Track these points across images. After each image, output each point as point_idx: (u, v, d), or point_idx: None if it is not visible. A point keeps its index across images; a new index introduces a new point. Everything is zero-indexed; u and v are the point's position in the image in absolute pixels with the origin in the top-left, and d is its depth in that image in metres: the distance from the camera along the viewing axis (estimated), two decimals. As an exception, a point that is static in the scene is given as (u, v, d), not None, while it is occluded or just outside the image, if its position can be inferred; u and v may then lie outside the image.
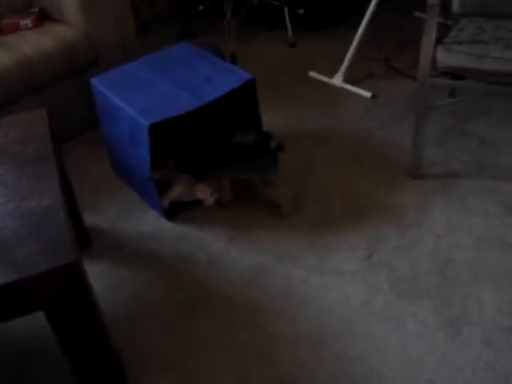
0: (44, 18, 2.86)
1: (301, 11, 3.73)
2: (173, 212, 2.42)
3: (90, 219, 2.40)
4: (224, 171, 2.39)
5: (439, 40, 2.30)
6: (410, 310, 1.99)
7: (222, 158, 2.34)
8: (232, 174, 2.41)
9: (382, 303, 2.02)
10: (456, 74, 2.33)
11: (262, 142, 2.29)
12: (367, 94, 3.10)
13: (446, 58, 2.26)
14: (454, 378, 1.79)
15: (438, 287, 2.06)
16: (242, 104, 2.48)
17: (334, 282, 2.11)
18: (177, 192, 2.37)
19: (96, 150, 2.75)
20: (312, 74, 3.33)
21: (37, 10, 2.84)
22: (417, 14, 3.69)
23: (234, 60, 3.42)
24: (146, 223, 2.42)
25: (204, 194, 2.40)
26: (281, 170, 2.34)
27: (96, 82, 2.41)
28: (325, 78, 3.27)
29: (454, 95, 2.88)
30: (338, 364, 1.85)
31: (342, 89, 3.20)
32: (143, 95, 2.28)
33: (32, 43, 2.63)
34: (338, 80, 3.22)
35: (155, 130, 2.14)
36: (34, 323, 2.01)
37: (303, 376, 1.83)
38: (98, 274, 2.20)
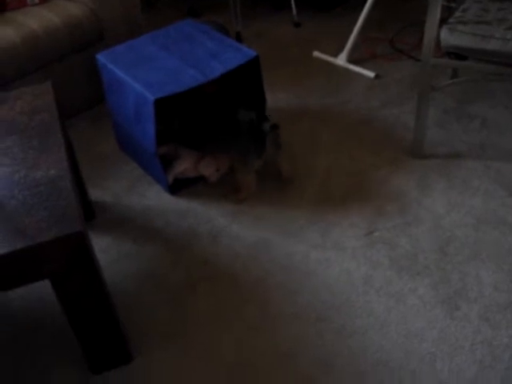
0: (50, -7, 2.86)
1: (306, -9, 3.73)
2: (177, 187, 2.44)
3: (94, 193, 2.43)
4: (215, 147, 2.42)
5: (443, 21, 2.31)
6: (409, 286, 2.02)
7: (219, 134, 2.37)
8: (219, 149, 2.44)
9: (382, 279, 2.05)
10: (459, 54, 2.34)
11: (253, 123, 2.32)
12: (371, 74, 3.11)
13: (450, 37, 2.27)
14: (452, 353, 1.83)
15: (437, 265, 2.09)
16: (246, 81, 2.50)
17: (335, 258, 2.13)
18: (181, 168, 2.39)
19: (102, 125, 2.77)
20: (316, 53, 3.33)
21: (43, -15, 2.84)
22: (421, -5, 3.68)
23: (239, 39, 3.43)
24: (151, 198, 2.44)
25: (209, 169, 2.42)
26: (283, 147, 2.37)
27: (102, 58, 2.42)
28: (329, 58, 3.28)
29: (456, 76, 2.89)
30: (338, 338, 1.88)
31: (346, 69, 3.21)
32: (149, 70, 2.30)
33: (39, 19, 2.64)
34: (341, 60, 3.22)
35: (161, 104, 2.16)
36: (35, 295, 2.05)
37: (303, 350, 1.86)
38: (102, 248, 2.23)
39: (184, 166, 2.40)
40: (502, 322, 1.91)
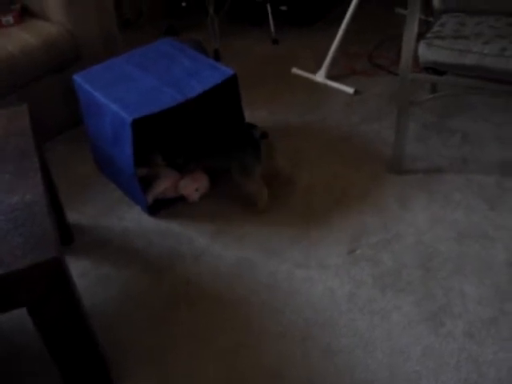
0: (26, 14, 2.84)
1: (283, 8, 3.74)
2: (156, 208, 2.42)
3: (73, 216, 2.39)
4: (208, 161, 2.40)
5: (421, 36, 2.32)
6: (393, 303, 2.01)
7: (207, 148, 2.36)
8: (215, 163, 2.42)
9: (366, 296, 2.03)
10: (438, 69, 2.35)
11: (245, 132, 2.32)
12: (350, 90, 3.12)
13: (427, 52, 2.27)
14: (437, 370, 1.81)
15: (420, 281, 2.08)
16: (224, 100, 2.48)
17: (319, 276, 2.11)
18: (161, 188, 2.37)
19: (79, 147, 2.73)
20: (295, 70, 3.33)
21: (18, 6, 2.81)
22: (398, 10, 3.70)
23: (217, 56, 3.42)
24: (130, 219, 2.41)
25: (188, 189, 2.40)
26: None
27: (78, 78, 2.40)
28: (308, 75, 3.28)
29: (436, 91, 2.90)
30: (323, 357, 1.86)
31: (325, 85, 3.21)
32: (126, 91, 2.28)
33: (14, 40, 2.61)
34: (320, 76, 3.23)
35: (140, 125, 2.14)
36: (19, 321, 2.01)
37: (289, 369, 1.84)
38: (82, 271, 2.19)
39: (164, 185, 2.38)
40: (487, 338, 1.89)
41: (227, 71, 2.37)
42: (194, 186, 2.41)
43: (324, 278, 2.11)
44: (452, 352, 1.86)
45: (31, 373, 1.88)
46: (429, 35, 2.33)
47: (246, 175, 2.32)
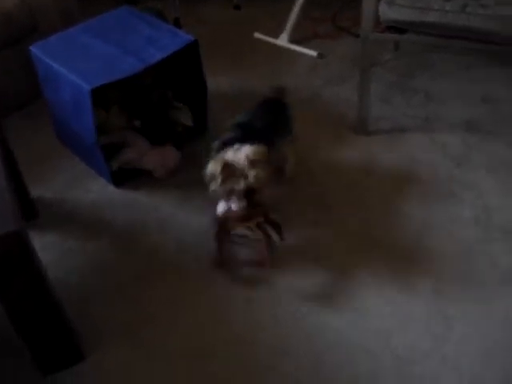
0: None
1: (244, -28, 3.68)
2: (121, 179, 2.39)
3: (36, 191, 2.34)
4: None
5: (381, -5, 2.30)
6: (363, 263, 2.04)
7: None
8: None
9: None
10: (399, 28, 2.33)
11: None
12: (313, 53, 3.09)
13: (388, 11, 2.26)
14: (407, 328, 1.84)
15: (388, 243, 2.11)
16: (186, 66, 2.44)
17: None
18: (127, 156, 2.33)
19: (40, 121, 2.67)
20: (257, 35, 3.29)
21: (-30, -23, 2.73)
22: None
23: (177, 24, 3.35)
24: (95, 191, 2.38)
25: (153, 163, 2.36)
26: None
27: (35, 50, 2.34)
28: (270, 39, 3.24)
29: (397, 51, 2.89)
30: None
31: (288, 49, 3.18)
32: (85, 60, 2.23)
33: (-33, 12, 2.54)
34: (283, 40, 3.19)
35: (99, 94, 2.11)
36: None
37: (260, 334, 1.86)
38: (48, 245, 2.16)
39: (130, 154, 2.34)
40: (454, 293, 1.93)
41: (187, 38, 2.33)
42: (159, 162, 2.37)
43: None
44: (421, 308, 1.89)
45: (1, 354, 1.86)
46: (389, -6, 2.31)
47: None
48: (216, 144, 2.06)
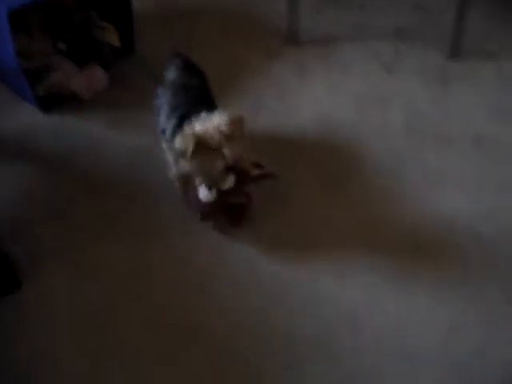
0: None
1: None
2: (49, 104, 2.31)
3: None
4: None
5: None
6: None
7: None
8: None
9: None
10: None
11: None
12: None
13: None
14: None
15: (319, 148, 2.10)
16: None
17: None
18: (54, 80, 2.25)
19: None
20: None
21: None
22: None
23: None
24: (22, 118, 2.29)
25: (80, 85, 2.29)
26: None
27: None
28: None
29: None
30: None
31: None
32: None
33: None
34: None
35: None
36: None
37: (194, 256, 1.86)
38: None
39: (56, 79, 2.26)
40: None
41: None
42: (85, 83, 2.30)
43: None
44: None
45: None
46: None
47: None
48: (163, 107, 1.86)
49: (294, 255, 1.83)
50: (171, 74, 1.95)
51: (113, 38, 2.39)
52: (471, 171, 2.04)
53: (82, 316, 1.73)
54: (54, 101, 2.32)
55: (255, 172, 1.85)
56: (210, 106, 1.80)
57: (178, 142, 1.65)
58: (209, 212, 1.83)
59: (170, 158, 1.85)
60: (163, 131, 1.83)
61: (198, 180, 1.79)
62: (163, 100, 1.87)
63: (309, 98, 2.28)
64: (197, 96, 1.86)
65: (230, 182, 1.75)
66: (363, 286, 1.75)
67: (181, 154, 1.67)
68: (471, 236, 1.87)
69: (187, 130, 1.65)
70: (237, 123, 1.67)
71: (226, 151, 1.64)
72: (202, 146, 1.62)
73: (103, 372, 1.61)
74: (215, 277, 1.80)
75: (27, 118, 2.30)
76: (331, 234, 1.88)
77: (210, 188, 1.76)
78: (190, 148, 1.61)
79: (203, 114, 1.69)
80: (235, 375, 1.60)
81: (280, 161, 2.04)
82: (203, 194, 1.77)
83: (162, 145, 1.88)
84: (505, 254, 1.83)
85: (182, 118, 1.74)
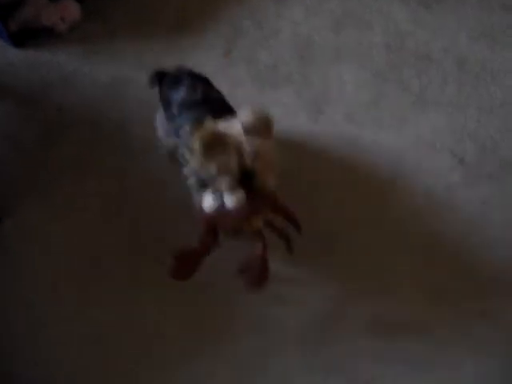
0: None
1: None
2: (21, 39, 2.25)
3: None
4: None
5: None
6: (273, 97, 1.99)
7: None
8: None
9: (245, 94, 2.00)
10: None
11: None
12: None
13: None
14: (318, 156, 1.85)
15: (298, 72, 2.07)
16: None
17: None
18: (26, 14, 2.18)
19: None
20: None
21: None
22: None
23: None
24: (-6, 55, 2.25)
25: (52, 18, 2.22)
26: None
27: None
28: None
29: None
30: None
31: None
32: None
33: None
34: None
35: None
36: None
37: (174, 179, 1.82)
38: None
39: (28, 12, 2.19)
40: (365, 119, 1.92)
41: None
42: (58, 15, 2.23)
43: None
44: (333, 137, 1.88)
45: None
46: None
47: None
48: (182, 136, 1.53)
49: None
50: (179, 93, 1.62)
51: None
52: (452, 92, 2.01)
53: (59, 241, 1.76)
54: (29, 36, 2.25)
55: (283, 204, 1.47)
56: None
57: (194, 138, 1.35)
58: (209, 231, 1.43)
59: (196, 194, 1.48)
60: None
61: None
62: (181, 120, 1.57)
63: (285, 22, 2.22)
64: (216, 108, 1.56)
65: (240, 197, 1.36)
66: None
67: (191, 150, 1.37)
68: (451, 156, 1.86)
69: (206, 124, 1.38)
70: (263, 121, 1.37)
71: (245, 146, 1.34)
72: (218, 142, 1.34)
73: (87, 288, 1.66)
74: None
75: (0, 53, 2.24)
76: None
77: (214, 197, 1.40)
78: (204, 142, 1.33)
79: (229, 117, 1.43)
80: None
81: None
82: (207, 202, 1.41)
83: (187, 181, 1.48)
84: (484, 174, 1.83)
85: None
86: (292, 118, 1.93)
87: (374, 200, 1.79)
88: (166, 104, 1.64)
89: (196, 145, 1.33)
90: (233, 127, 1.35)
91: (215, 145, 1.32)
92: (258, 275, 1.41)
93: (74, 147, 1.95)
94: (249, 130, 1.33)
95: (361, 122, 1.92)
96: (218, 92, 1.66)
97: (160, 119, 1.74)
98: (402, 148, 1.88)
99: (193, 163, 1.38)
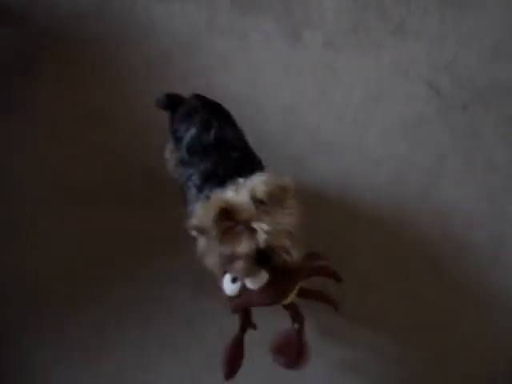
0: None
1: None
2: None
3: None
4: None
5: None
6: (253, 24, 1.99)
7: None
8: None
9: (225, 21, 2.00)
10: None
11: None
12: None
13: None
14: (295, 81, 1.87)
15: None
16: None
17: (179, 9, 2.03)
18: None
19: None
20: None
21: None
22: None
23: None
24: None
25: None
26: None
27: None
28: None
29: None
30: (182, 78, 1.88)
31: None
32: None
33: None
34: None
35: None
36: None
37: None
38: None
39: None
40: (343, 45, 1.93)
41: None
42: None
43: (183, 10, 2.03)
44: (310, 62, 1.91)
45: None
46: None
47: None
48: (191, 179, 1.40)
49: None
50: (190, 130, 1.45)
51: None
52: (432, 24, 2.00)
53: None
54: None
55: (310, 265, 1.34)
56: (253, 166, 1.36)
57: (199, 212, 1.21)
58: (238, 309, 1.31)
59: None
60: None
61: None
62: (190, 169, 1.42)
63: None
64: (229, 156, 1.40)
65: (262, 278, 1.23)
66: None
67: (199, 230, 1.21)
68: (429, 87, 1.88)
69: (212, 197, 1.22)
70: (281, 190, 1.19)
71: (260, 227, 1.17)
72: (228, 216, 1.18)
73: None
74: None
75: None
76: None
77: (234, 280, 1.27)
78: (211, 217, 1.17)
79: (240, 180, 1.25)
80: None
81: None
82: (227, 286, 1.28)
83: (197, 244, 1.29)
84: (458, 105, 1.85)
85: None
86: (271, 44, 1.94)
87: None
88: (177, 139, 1.49)
89: (201, 224, 1.18)
90: (243, 199, 1.18)
91: (223, 226, 1.17)
92: (295, 356, 1.31)
93: (55, 61, 1.95)
94: (263, 202, 1.17)
95: (339, 47, 1.93)
96: (235, 128, 1.48)
97: (170, 150, 1.59)
98: (378, 76, 1.89)
99: (201, 247, 1.25)
